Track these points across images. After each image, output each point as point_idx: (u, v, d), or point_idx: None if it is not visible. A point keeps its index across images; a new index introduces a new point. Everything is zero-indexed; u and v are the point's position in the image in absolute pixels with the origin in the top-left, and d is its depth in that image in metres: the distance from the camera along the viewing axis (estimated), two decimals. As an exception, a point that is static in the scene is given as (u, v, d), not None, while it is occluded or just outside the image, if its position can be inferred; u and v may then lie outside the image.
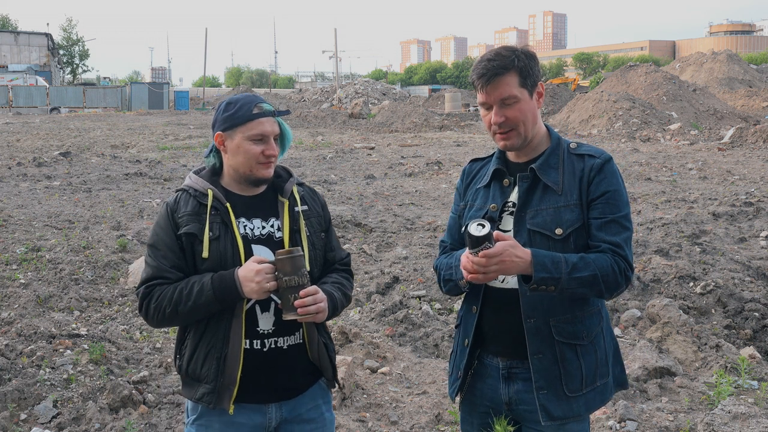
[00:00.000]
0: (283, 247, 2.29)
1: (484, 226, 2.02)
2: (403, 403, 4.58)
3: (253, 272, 2.14)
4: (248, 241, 2.28)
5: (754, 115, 32.40)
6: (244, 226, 2.30)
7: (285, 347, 2.30)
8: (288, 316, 2.16)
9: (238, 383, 2.22)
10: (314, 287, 2.19)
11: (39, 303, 6.48)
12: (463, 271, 2.12)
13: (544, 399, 2.21)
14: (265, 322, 2.28)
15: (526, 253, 2.07)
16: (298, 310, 2.14)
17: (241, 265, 2.21)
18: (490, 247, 2.02)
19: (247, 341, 2.25)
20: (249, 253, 2.25)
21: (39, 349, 4.96)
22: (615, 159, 2.31)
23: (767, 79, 51.82)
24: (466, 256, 2.10)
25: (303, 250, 2.27)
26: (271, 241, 2.31)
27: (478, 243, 2.02)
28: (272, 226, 2.33)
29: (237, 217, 2.28)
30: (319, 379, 2.41)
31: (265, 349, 2.27)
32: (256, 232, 2.31)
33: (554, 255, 2.11)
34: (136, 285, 7.25)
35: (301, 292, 2.15)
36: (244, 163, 2.28)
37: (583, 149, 2.30)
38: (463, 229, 2.39)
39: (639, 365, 4.88)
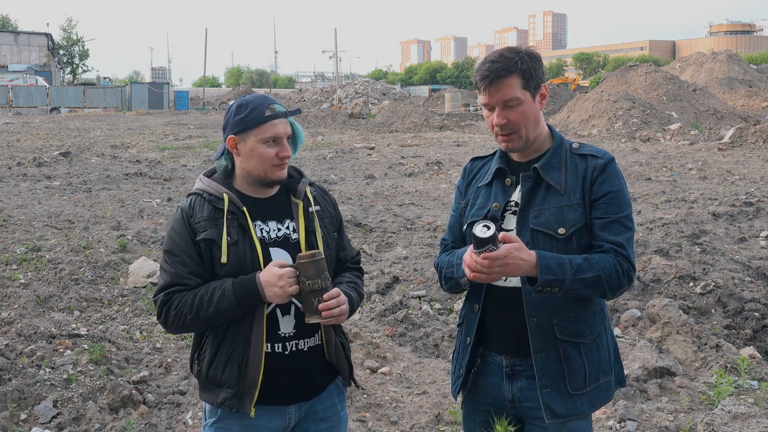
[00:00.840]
0: (300, 249, 2.28)
1: (489, 227, 2.03)
2: (403, 403, 4.58)
3: (276, 276, 2.13)
4: (266, 244, 2.27)
5: (754, 115, 32.41)
6: (261, 229, 2.29)
7: (305, 349, 2.30)
8: (311, 320, 2.16)
9: (259, 386, 2.22)
10: (336, 290, 2.20)
11: (39, 303, 6.48)
12: (466, 269, 2.13)
13: (548, 397, 2.22)
14: (286, 325, 2.27)
15: (530, 255, 2.08)
16: (323, 313, 2.14)
17: (260, 268, 2.20)
18: (494, 250, 2.03)
19: (269, 345, 2.25)
20: (267, 257, 2.25)
21: (39, 349, 4.96)
22: (615, 159, 2.32)
23: (767, 79, 51.82)
24: (470, 255, 2.10)
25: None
26: (287, 243, 2.30)
27: (482, 244, 2.03)
28: (287, 227, 2.33)
29: (253, 220, 2.27)
30: (335, 378, 2.42)
31: (286, 352, 2.27)
32: (273, 235, 2.30)
33: (559, 257, 2.12)
34: (137, 285, 7.22)
35: (325, 296, 2.15)
36: (258, 166, 2.26)
37: (585, 149, 2.31)
38: (464, 227, 2.40)
39: (639, 365, 4.88)
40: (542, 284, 2.09)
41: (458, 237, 2.47)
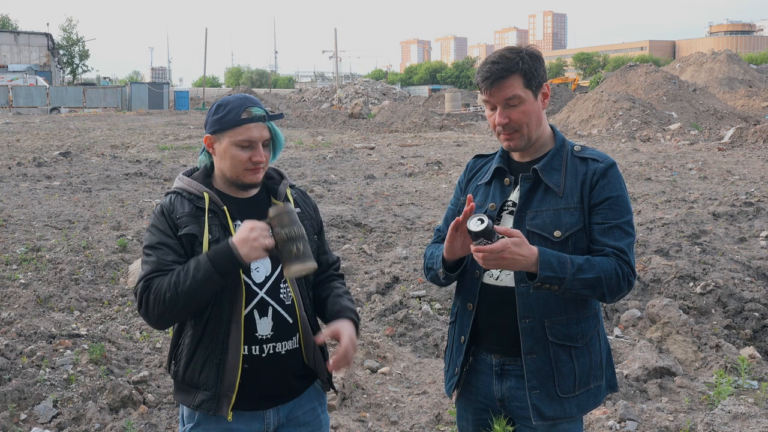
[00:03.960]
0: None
1: (483, 221, 2.03)
2: (403, 403, 4.59)
3: (248, 230, 2.08)
4: None
5: (754, 115, 32.41)
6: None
7: (283, 352, 2.27)
8: (292, 269, 2.09)
9: (236, 390, 2.19)
10: (344, 350, 2.20)
11: (39, 303, 6.48)
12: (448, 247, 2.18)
13: (536, 399, 2.22)
14: (264, 327, 2.24)
15: (531, 251, 2.07)
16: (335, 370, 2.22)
17: (239, 270, 2.18)
18: (487, 243, 2.03)
19: (246, 347, 2.22)
20: None
21: (39, 349, 4.96)
22: (615, 159, 2.32)
23: (767, 79, 51.83)
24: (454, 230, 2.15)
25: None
26: None
27: (475, 238, 2.04)
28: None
29: (233, 219, 2.25)
30: (314, 381, 2.40)
31: (263, 355, 2.24)
32: None
33: (560, 255, 2.11)
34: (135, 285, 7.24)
35: (335, 359, 2.20)
36: (230, 168, 2.24)
37: (587, 153, 2.30)
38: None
39: (639, 365, 4.88)
40: (541, 280, 2.07)
41: None
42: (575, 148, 2.31)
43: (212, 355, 2.20)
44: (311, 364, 2.34)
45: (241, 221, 2.25)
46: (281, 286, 2.29)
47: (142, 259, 2.24)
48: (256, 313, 2.24)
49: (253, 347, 2.23)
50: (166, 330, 5.82)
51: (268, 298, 2.24)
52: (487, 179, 2.38)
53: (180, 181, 2.32)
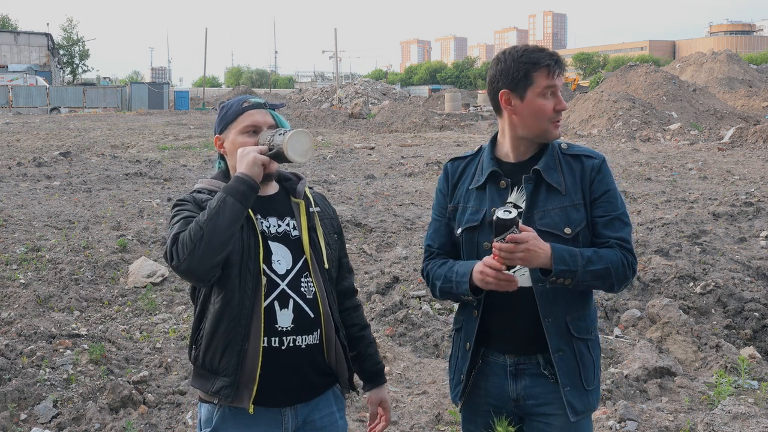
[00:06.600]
0: (302, 246, 2.30)
1: (510, 211, 2.03)
2: (403, 403, 4.59)
3: (239, 152, 2.18)
4: (265, 237, 2.26)
5: (754, 115, 32.40)
6: (261, 223, 2.28)
7: (303, 346, 2.26)
8: (291, 149, 2.14)
9: (257, 382, 2.19)
10: (387, 422, 2.50)
11: (39, 303, 6.48)
12: (481, 277, 2.13)
13: (570, 395, 2.26)
14: (284, 319, 2.24)
15: (546, 246, 2.12)
16: None
17: (260, 260, 2.21)
18: (518, 232, 2.04)
19: (265, 339, 2.22)
20: (267, 249, 2.25)
21: (39, 349, 4.96)
22: (615, 159, 2.38)
23: (767, 79, 51.83)
24: (487, 262, 2.12)
25: (321, 248, 2.33)
26: (287, 239, 2.30)
27: (505, 228, 2.03)
28: (288, 224, 2.32)
29: (253, 213, 2.26)
30: (334, 383, 2.38)
31: (283, 347, 2.23)
32: (272, 230, 2.29)
33: (570, 249, 2.17)
34: (137, 285, 7.21)
35: (378, 428, 2.49)
36: None
37: (575, 150, 2.36)
38: (459, 231, 2.37)
39: (639, 365, 4.88)
40: (556, 275, 2.12)
41: (446, 242, 2.43)
42: (562, 146, 2.36)
43: (233, 342, 2.19)
44: (332, 363, 2.33)
45: (262, 216, 2.29)
46: (302, 279, 2.29)
47: (172, 226, 2.21)
48: (276, 305, 2.24)
49: (273, 339, 2.23)
50: (166, 329, 5.84)
51: (289, 290, 2.25)
52: (479, 183, 2.35)
53: (201, 183, 2.36)
